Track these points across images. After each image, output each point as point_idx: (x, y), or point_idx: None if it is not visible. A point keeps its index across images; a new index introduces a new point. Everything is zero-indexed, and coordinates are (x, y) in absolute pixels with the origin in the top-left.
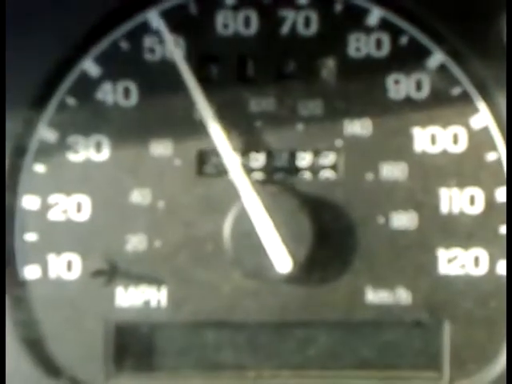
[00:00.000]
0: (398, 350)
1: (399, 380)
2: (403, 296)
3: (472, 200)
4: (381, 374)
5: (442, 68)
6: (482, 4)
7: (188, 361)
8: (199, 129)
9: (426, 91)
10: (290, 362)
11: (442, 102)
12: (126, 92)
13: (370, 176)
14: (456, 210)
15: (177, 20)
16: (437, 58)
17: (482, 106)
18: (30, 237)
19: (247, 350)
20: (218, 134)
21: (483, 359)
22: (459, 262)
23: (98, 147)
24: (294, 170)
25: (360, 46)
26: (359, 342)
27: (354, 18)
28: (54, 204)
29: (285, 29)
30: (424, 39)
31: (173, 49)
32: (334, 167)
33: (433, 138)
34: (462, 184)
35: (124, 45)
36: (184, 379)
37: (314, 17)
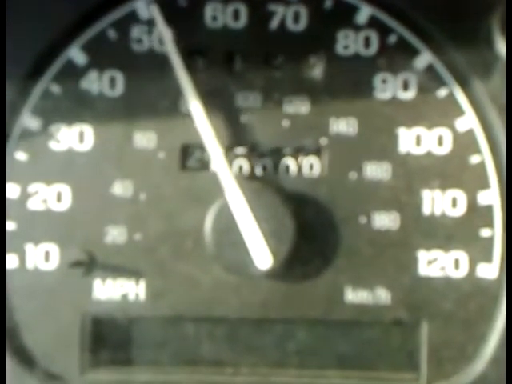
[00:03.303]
0: (376, 349)
1: (377, 380)
2: (382, 296)
3: (454, 202)
4: (359, 373)
5: (430, 68)
6: (471, 4)
7: (166, 355)
8: (184, 122)
9: (412, 91)
10: (268, 358)
11: (429, 103)
12: (112, 82)
13: (353, 175)
14: (438, 212)
15: (166, 11)
16: (425, 58)
17: (467, 108)
18: (9, 226)
19: (226, 344)
20: (205, 127)
21: (461, 360)
22: (439, 264)
23: (81, 137)
24: (277, 166)
25: (348, 43)
26: (338, 341)
27: (344, 16)
28: (33, 193)
29: (274, 23)
30: (412, 39)
31: (167, 40)
32: (318, 165)
33: (418, 139)
34: (444, 186)
35: (111, 34)
36: (161, 373)
37: (304, 12)
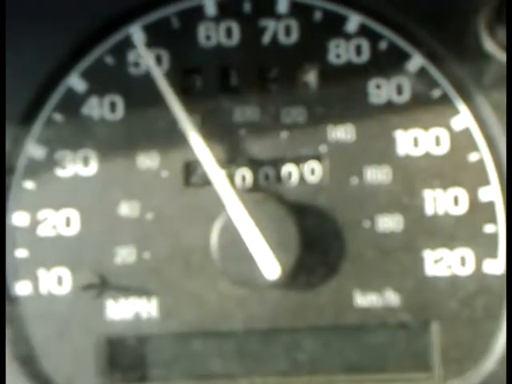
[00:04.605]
0: (387, 352)
1: (390, 382)
2: (391, 298)
3: (456, 200)
4: (372, 377)
5: (422, 71)
6: (459, 7)
7: (180, 371)
8: (185, 140)
9: (406, 95)
10: (280, 368)
11: (423, 105)
12: (112, 106)
13: (354, 180)
14: (440, 211)
15: (159, 34)
16: (416, 61)
17: (462, 107)
18: (21, 253)
19: (238, 358)
20: (200, 147)
21: (473, 357)
22: (445, 263)
23: (86, 162)
24: (279, 177)
25: (340, 52)
26: (349, 346)
27: (334, 26)
28: (43, 220)
29: (266, 38)
30: (403, 44)
31: (151, 64)
32: (319, 173)
33: (415, 141)
34: (445, 185)
35: (109, 60)
36: None
37: (295, 25)
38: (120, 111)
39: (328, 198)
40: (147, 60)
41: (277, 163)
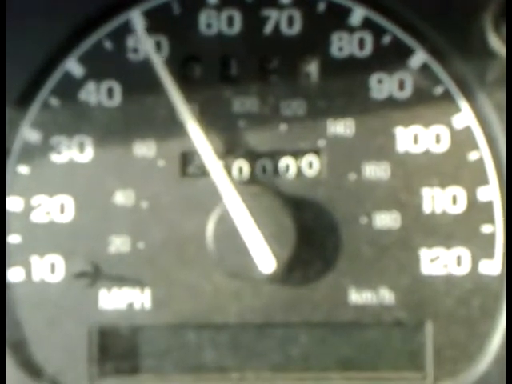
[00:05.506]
0: (381, 350)
1: (383, 381)
2: (386, 296)
3: (454, 199)
4: (364, 374)
5: (425, 67)
6: (464, 3)
7: (172, 363)
8: (182, 130)
9: (408, 91)
10: (272, 362)
11: (425, 102)
12: (110, 92)
13: (352, 176)
14: (438, 210)
15: (160, 20)
16: (419, 57)
17: (464, 105)
18: (14, 239)
19: (230, 350)
20: (198, 137)
21: (467, 358)
22: (442, 262)
23: (82, 148)
24: (276, 169)
25: (343, 45)
26: (342, 343)
27: (337, 18)
28: (37, 205)
29: (268, 28)
30: (407, 38)
31: (151, 51)
32: (317, 167)
33: (415, 138)
34: (444, 183)
35: (107, 45)
36: (168, 381)
37: (298, 16)
38: (117, 97)
39: (325, 193)
40: (146, 45)
41: (274, 156)
